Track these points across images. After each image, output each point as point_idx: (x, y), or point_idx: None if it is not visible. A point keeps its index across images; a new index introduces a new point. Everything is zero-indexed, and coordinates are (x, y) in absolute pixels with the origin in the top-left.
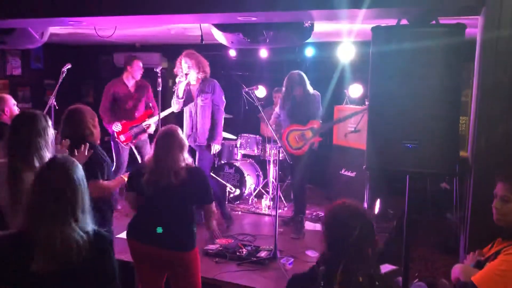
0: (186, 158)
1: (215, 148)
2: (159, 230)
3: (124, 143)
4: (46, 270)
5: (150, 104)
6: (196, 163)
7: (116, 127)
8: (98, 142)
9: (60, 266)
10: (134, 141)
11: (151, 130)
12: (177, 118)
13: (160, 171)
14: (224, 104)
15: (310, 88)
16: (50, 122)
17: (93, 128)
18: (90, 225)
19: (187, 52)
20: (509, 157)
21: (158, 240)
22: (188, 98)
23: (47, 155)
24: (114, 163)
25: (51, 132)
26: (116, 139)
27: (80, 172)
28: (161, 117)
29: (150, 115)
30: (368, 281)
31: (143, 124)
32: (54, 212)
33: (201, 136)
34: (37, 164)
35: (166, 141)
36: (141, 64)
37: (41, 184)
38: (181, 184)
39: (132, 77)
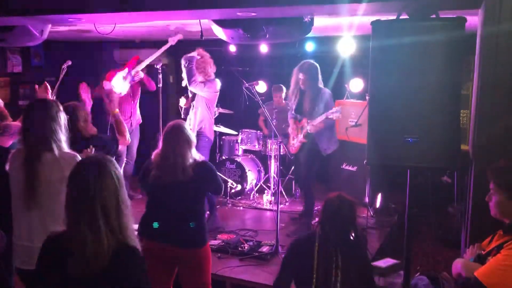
0: (194, 154)
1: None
2: (155, 225)
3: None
4: (78, 274)
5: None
6: None
7: (107, 85)
8: (95, 130)
9: (89, 272)
10: (130, 117)
11: (141, 76)
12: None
13: (168, 167)
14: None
15: (320, 83)
16: (61, 108)
17: (86, 122)
18: (126, 238)
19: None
20: (509, 151)
21: (170, 237)
22: (193, 95)
23: (64, 138)
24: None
25: (63, 116)
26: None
27: (117, 172)
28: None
29: (139, 61)
30: (354, 241)
31: (132, 71)
32: (86, 214)
33: (197, 126)
34: (55, 147)
35: (173, 136)
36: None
37: (74, 183)
38: (189, 181)
39: None
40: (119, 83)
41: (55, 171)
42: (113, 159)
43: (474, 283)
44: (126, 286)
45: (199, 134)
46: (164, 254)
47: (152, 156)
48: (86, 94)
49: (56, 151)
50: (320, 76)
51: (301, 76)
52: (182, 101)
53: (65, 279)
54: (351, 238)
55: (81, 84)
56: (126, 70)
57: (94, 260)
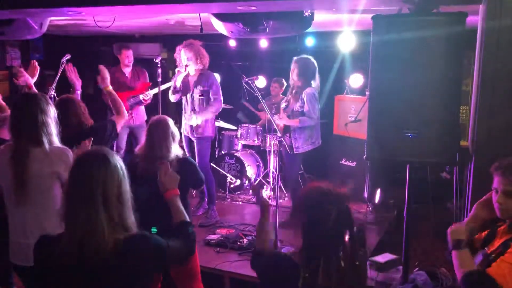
0: (176, 150)
1: (193, 119)
2: (154, 230)
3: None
4: (68, 262)
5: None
6: (196, 154)
7: None
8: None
9: (82, 260)
10: (130, 111)
11: (149, 100)
12: (178, 107)
13: (152, 159)
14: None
15: (309, 81)
16: (51, 102)
17: (85, 114)
18: (129, 223)
19: (186, 43)
20: (509, 147)
21: (153, 231)
22: (186, 89)
23: (55, 132)
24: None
25: (53, 111)
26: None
27: (121, 164)
28: (161, 89)
29: (149, 87)
30: (349, 265)
31: (141, 96)
32: (86, 206)
33: (198, 128)
34: (44, 139)
35: (159, 129)
36: (128, 52)
37: (76, 175)
38: None
39: (123, 65)
40: (125, 105)
41: (44, 166)
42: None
43: (485, 277)
44: (137, 272)
45: (203, 135)
46: None
47: (136, 150)
48: (73, 74)
49: (47, 146)
50: (313, 75)
51: (292, 67)
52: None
53: (64, 273)
54: (344, 263)
55: (66, 66)
56: (134, 95)
57: (93, 251)
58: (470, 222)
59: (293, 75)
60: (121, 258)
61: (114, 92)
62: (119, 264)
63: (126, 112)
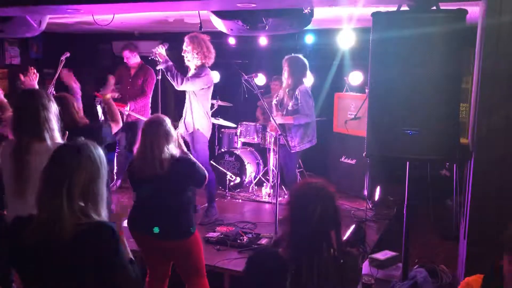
0: (172, 149)
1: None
2: (156, 230)
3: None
4: (35, 242)
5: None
6: (191, 150)
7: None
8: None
9: (45, 242)
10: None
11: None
12: (179, 103)
13: (147, 160)
14: (209, 88)
15: (302, 79)
16: (52, 98)
17: (79, 113)
18: (94, 214)
19: (190, 35)
20: (509, 144)
21: (155, 230)
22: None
23: (56, 127)
24: None
25: (55, 107)
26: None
27: (97, 154)
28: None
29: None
30: (333, 262)
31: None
32: (52, 187)
33: (194, 123)
34: (46, 135)
35: (152, 129)
36: (124, 53)
37: (48, 164)
38: (167, 175)
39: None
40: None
41: (45, 161)
42: (103, 145)
43: None
44: (93, 261)
45: (197, 133)
46: (154, 246)
47: (134, 151)
48: (71, 78)
49: (49, 141)
50: (304, 73)
51: (283, 67)
52: None
53: (32, 251)
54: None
55: (62, 71)
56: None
57: (54, 233)
58: None
59: (284, 74)
60: (78, 242)
61: (111, 101)
62: (75, 247)
63: (121, 120)
